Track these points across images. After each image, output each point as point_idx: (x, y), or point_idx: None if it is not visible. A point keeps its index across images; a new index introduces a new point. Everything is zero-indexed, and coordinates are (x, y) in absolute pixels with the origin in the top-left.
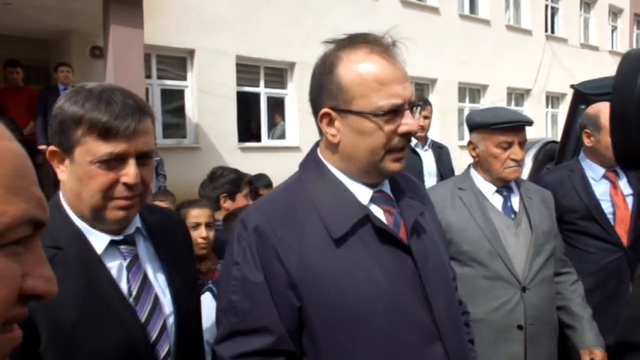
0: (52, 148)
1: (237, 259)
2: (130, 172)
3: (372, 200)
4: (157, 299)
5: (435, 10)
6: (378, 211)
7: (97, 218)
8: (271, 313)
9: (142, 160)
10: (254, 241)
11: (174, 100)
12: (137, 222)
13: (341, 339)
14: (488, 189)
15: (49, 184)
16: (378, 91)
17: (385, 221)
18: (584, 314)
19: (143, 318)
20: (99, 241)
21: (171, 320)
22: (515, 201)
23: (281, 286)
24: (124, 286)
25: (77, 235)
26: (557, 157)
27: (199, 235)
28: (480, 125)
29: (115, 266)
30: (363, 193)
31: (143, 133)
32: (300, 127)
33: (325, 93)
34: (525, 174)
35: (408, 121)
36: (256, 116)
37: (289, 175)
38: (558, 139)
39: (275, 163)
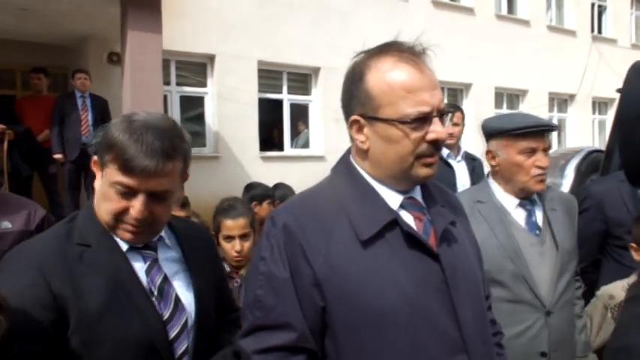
0: (94, 158)
1: (265, 254)
2: (136, 206)
3: (403, 206)
4: (178, 299)
5: (469, 10)
6: (407, 217)
7: (112, 230)
8: (295, 309)
9: (157, 197)
10: (282, 239)
11: (193, 108)
12: (162, 232)
13: (363, 342)
14: (509, 202)
15: (64, 192)
16: (405, 99)
17: (415, 228)
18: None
19: (166, 315)
20: (121, 243)
21: (191, 320)
22: (538, 215)
23: (306, 285)
24: (144, 284)
25: (104, 234)
26: (603, 167)
27: (233, 248)
28: (500, 131)
29: (137, 267)
30: (393, 198)
31: (160, 176)
32: (325, 135)
33: (354, 100)
34: (567, 186)
35: (437, 129)
36: (279, 124)
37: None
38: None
39: (298, 173)
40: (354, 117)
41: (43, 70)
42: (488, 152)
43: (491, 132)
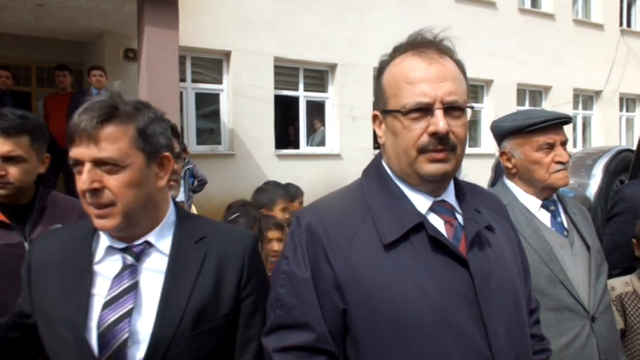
0: None
1: (287, 253)
2: (81, 176)
3: (433, 210)
4: (129, 313)
5: (491, 4)
6: (437, 221)
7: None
8: (315, 310)
9: (105, 167)
10: (305, 239)
11: (209, 105)
12: (151, 236)
13: (384, 348)
14: (533, 204)
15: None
16: (404, 90)
17: (445, 232)
18: None
19: (104, 325)
20: (104, 242)
21: (138, 343)
22: (562, 216)
23: (326, 286)
24: (104, 289)
25: (88, 233)
26: (633, 167)
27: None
28: (513, 130)
29: (111, 268)
30: (421, 202)
31: (100, 139)
32: (342, 133)
33: (376, 96)
34: (595, 186)
35: (436, 121)
36: (295, 121)
37: (329, 185)
38: (634, 146)
39: (314, 171)
40: (374, 112)
41: (68, 67)
42: (502, 154)
43: (504, 131)
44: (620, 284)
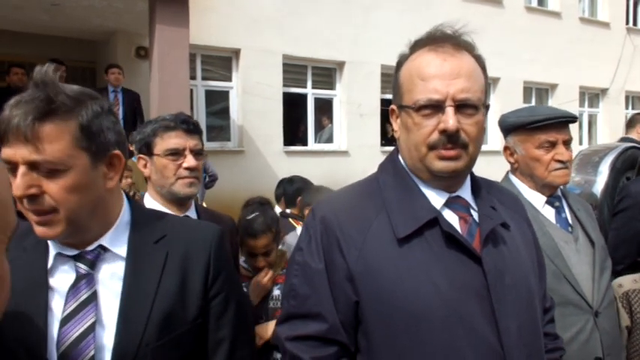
0: None
1: (302, 244)
2: (16, 179)
3: (448, 205)
4: (92, 327)
5: (497, 2)
6: (452, 217)
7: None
8: (327, 301)
9: (43, 170)
10: (319, 231)
11: (218, 102)
12: (104, 240)
13: (395, 341)
14: (537, 199)
15: None
16: (418, 86)
17: (459, 228)
18: None
19: (66, 343)
20: (52, 250)
21: (106, 354)
22: (567, 212)
23: (339, 278)
24: (58, 303)
25: (39, 241)
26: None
27: (256, 263)
28: (516, 126)
29: (64, 279)
30: (436, 197)
31: (36, 139)
32: (349, 130)
33: (393, 91)
34: (601, 183)
35: (446, 119)
36: (303, 119)
37: (336, 181)
38: None
39: (322, 168)
40: (391, 107)
41: (61, 62)
42: (505, 149)
43: (508, 127)
44: (628, 282)
